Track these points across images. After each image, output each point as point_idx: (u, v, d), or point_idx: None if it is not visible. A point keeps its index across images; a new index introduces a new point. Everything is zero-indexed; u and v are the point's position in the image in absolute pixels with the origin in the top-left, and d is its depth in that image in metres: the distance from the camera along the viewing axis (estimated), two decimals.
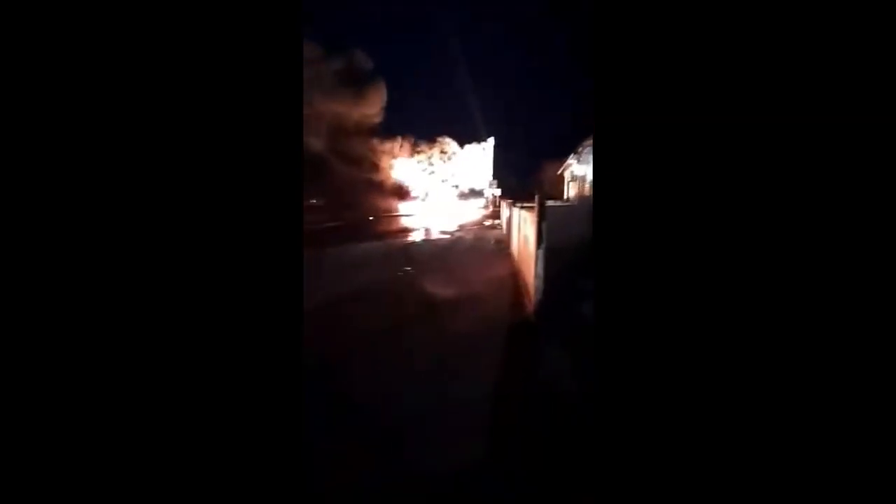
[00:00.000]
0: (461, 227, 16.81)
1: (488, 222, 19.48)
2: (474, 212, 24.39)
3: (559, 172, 15.64)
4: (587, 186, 11.92)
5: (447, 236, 13.69)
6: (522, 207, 6.70)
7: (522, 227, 6.16)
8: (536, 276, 4.20)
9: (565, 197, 14.10)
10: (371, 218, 18.79)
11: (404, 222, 19.42)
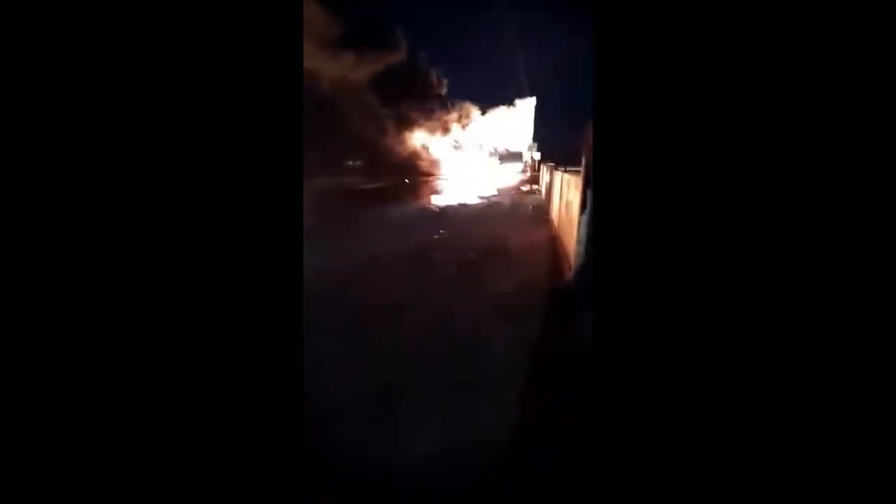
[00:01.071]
0: (498, 192, 16.50)
1: (526, 187, 19.00)
2: (512, 176, 23.82)
3: None
4: None
5: (483, 201, 13.50)
6: (567, 171, 6.43)
7: (565, 191, 5.94)
8: (579, 241, 4.06)
9: None
10: (407, 181, 18.78)
11: (440, 185, 19.28)
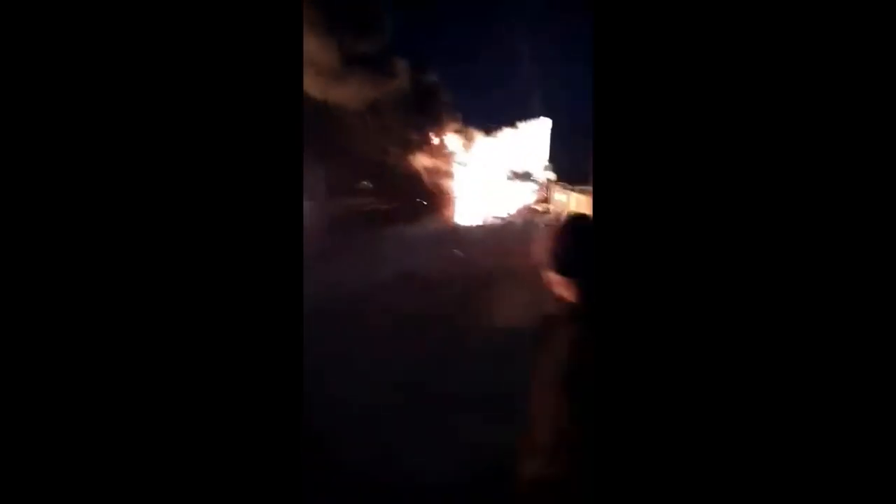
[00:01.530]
0: (512, 212, 16.50)
1: (540, 206, 18.99)
2: (527, 195, 23.95)
3: None
4: None
5: (498, 221, 13.49)
6: (580, 191, 6.40)
7: (579, 210, 5.89)
8: None
9: None
10: (420, 201, 18.99)
11: (454, 205, 19.41)
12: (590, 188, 4.86)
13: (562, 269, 1.03)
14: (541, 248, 1.03)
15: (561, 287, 1.01)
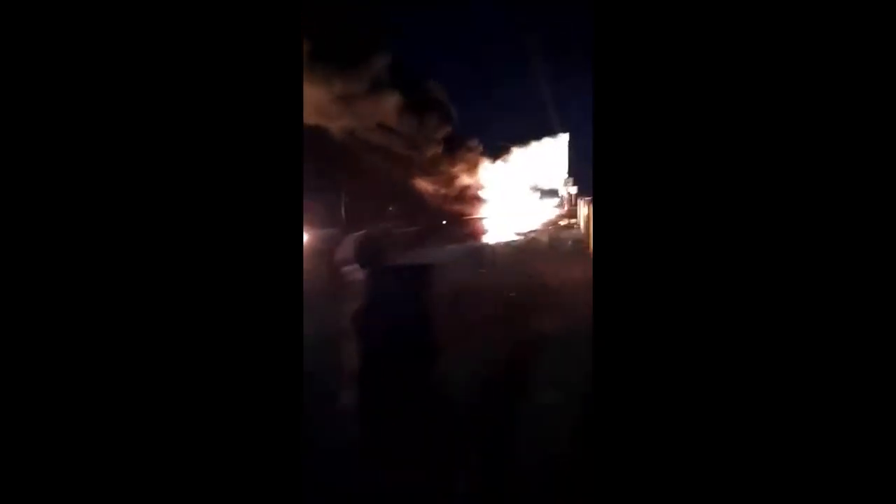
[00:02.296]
0: (536, 228, 16.43)
1: (564, 222, 18.78)
2: (549, 211, 23.71)
3: None
4: None
5: (521, 237, 13.48)
6: None
7: None
8: None
9: None
10: (444, 222, 19.13)
11: (478, 225, 19.44)
12: None
13: (361, 264, 1.14)
14: (341, 252, 1.12)
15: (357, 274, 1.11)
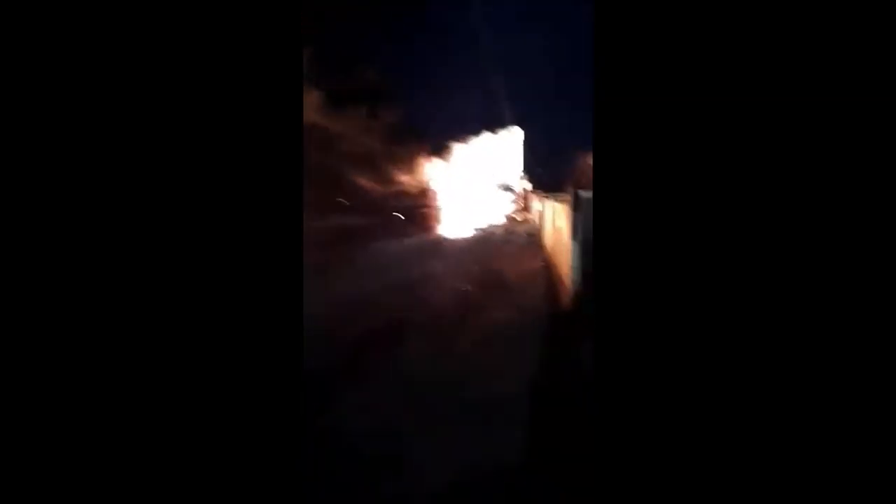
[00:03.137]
0: (492, 222, 16.75)
1: (519, 216, 19.28)
2: (505, 206, 24.24)
3: (591, 162, 15.24)
4: None
5: (478, 232, 13.67)
6: (555, 199, 6.59)
7: (556, 219, 6.07)
8: (572, 267, 4.13)
9: None
10: (399, 215, 19.00)
11: (434, 218, 19.51)
12: (565, 196, 4.99)
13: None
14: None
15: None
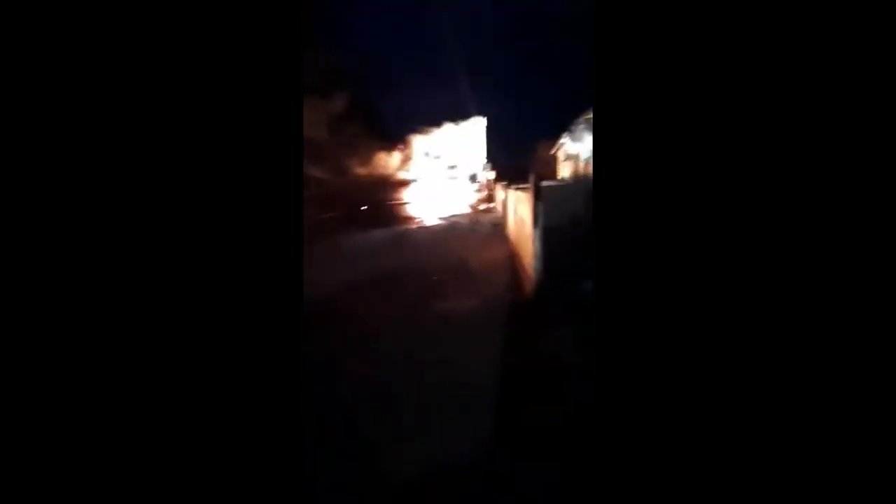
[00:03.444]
0: (457, 212, 16.81)
1: (483, 206, 19.46)
2: (470, 195, 24.37)
3: (553, 152, 15.58)
4: (581, 165, 11.90)
5: (443, 222, 13.70)
6: (518, 188, 6.70)
7: (518, 208, 6.17)
8: (535, 255, 4.23)
9: (559, 176, 14.07)
10: (366, 207, 18.73)
11: (400, 209, 19.37)
12: (526, 186, 5.08)
13: None
14: None
15: None
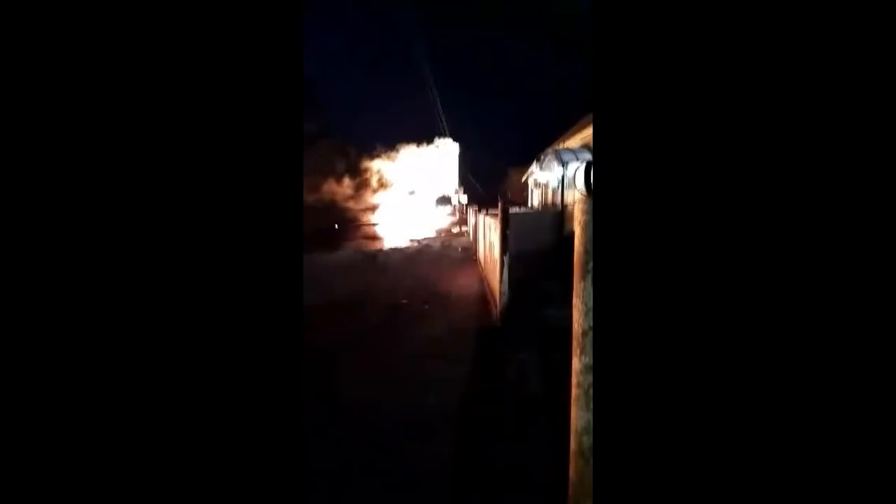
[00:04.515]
0: (428, 235, 16.85)
1: (455, 229, 19.62)
2: (442, 219, 24.56)
3: (523, 179, 16.01)
4: (550, 193, 12.26)
5: (415, 244, 13.68)
6: (488, 214, 6.81)
7: (488, 233, 6.25)
8: (502, 281, 4.27)
9: (529, 204, 14.42)
10: (336, 226, 18.50)
11: (371, 231, 19.24)
12: (495, 211, 5.18)
13: None
14: None
15: None
